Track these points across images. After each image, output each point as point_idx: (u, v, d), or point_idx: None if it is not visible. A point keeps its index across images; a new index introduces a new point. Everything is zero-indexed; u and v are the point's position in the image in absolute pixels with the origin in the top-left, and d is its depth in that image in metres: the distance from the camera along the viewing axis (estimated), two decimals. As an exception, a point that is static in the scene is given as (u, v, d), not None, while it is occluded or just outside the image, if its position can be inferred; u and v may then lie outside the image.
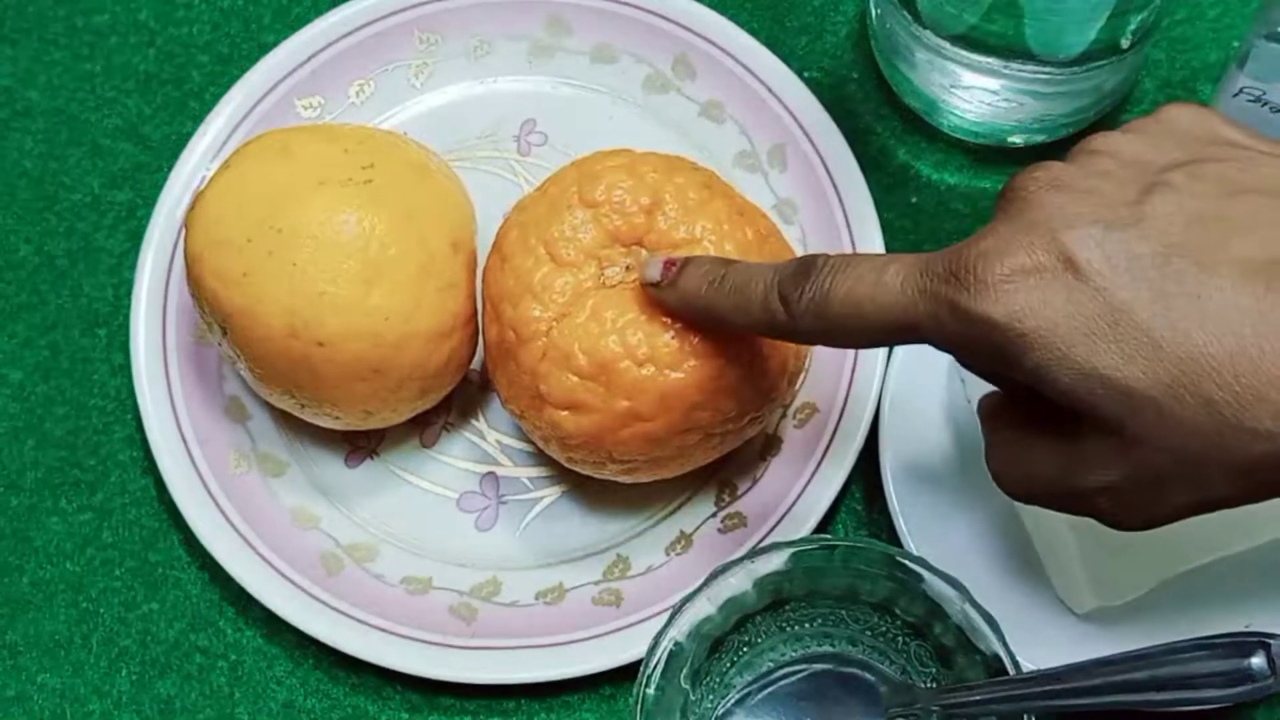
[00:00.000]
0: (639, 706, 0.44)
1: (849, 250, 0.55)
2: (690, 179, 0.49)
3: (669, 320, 0.47)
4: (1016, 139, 0.57)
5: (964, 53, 0.52)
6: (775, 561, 0.45)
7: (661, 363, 0.47)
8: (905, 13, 0.53)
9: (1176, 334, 0.34)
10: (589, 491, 0.54)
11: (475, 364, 0.54)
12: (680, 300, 0.45)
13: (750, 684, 0.48)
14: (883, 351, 0.53)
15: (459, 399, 0.55)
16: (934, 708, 0.45)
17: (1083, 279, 0.35)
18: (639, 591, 0.53)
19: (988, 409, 0.41)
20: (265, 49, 0.59)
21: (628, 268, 0.48)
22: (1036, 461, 0.38)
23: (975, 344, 0.36)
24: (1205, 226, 0.35)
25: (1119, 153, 0.37)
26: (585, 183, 0.49)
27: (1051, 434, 0.38)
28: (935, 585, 0.44)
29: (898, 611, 0.46)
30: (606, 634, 0.52)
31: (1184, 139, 0.38)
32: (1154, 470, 0.35)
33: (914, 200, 0.57)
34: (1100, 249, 0.35)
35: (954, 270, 0.36)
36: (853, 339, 0.40)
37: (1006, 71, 0.53)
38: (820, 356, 0.53)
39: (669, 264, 0.45)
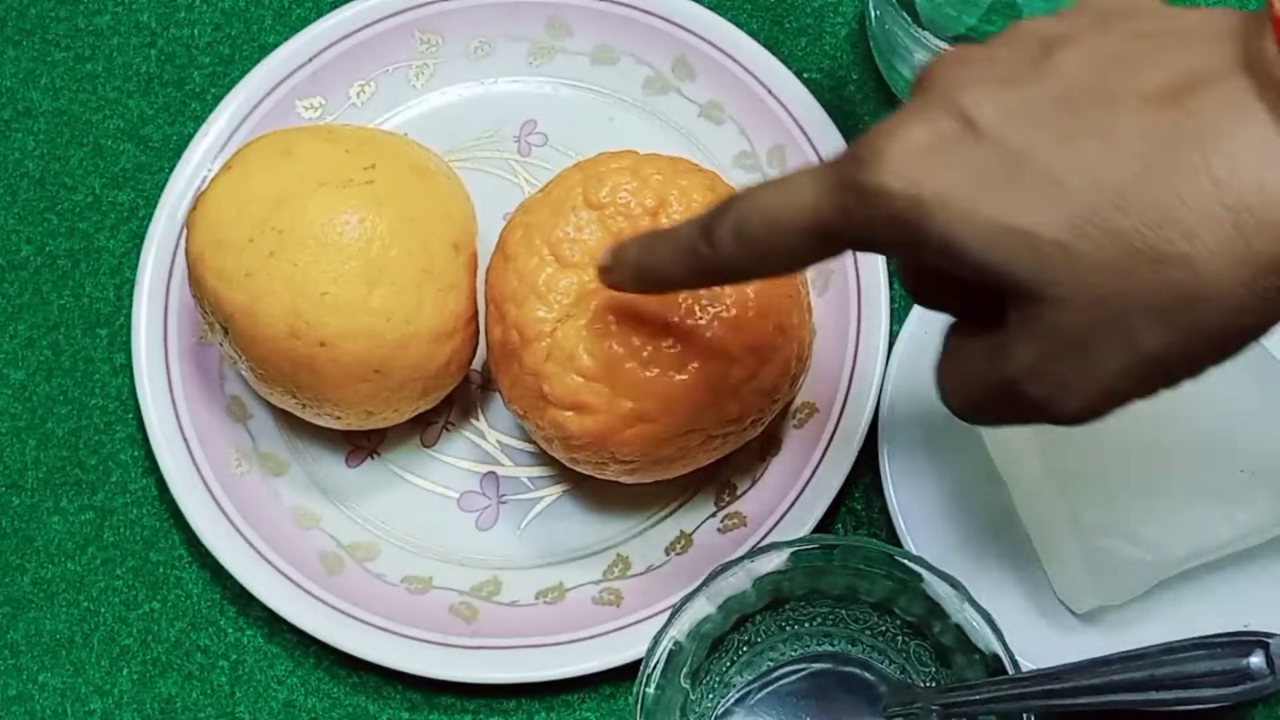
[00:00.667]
0: (639, 706, 0.44)
1: (849, 252, 0.55)
2: (694, 181, 0.49)
3: (673, 322, 0.47)
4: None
5: (963, 54, 0.53)
6: (775, 561, 0.45)
7: (665, 364, 0.47)
8: (904, 14, 0.53)
9: (1079, 169, 0.32)
10: (589, 491, 0.54)
11: (476, 364, 0.54)
12: (627, 273, 0.43)
13: (750, 683, 0.48)
14: (883, 351, 0.53)
15: (460, 399, 0.55)
16: (933, 707, 0.45)
17: (980, 134, 0.33)
18: (639, 591, 0.53)
19: (944, 333, 0.39)
20: (266, 50, 0.59)
21: (631, 269, 0.48)
22: (968, 361, 0.36)
23: (884, 226, 0.34)
24: (1109, 67, 0.33)
25: (1032, 29, 0.35)
26: (590, 184, 0.49)
27: (982, 331, 0.35)
28: (934, 585, 0.44)
29: (897, 611, 0.46)
30: (606, 634, 0.52)
31: (1098, 14, 0.35)
32: (1074, 331, 0.33)
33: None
34: (995, 102, 0.33)
35: (855, 153, 0.34)
36: (779, 258, 0.37)
37: (1006, 73, 0.53)
38: (820, 356, 0.53)
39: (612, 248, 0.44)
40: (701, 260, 0.39)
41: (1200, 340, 0.32)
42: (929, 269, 0.37)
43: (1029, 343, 0.33)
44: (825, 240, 0.36)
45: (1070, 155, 0.32)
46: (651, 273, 0.42)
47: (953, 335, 0.38)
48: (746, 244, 0.37)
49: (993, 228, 0.32)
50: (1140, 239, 0.31)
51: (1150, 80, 0.32)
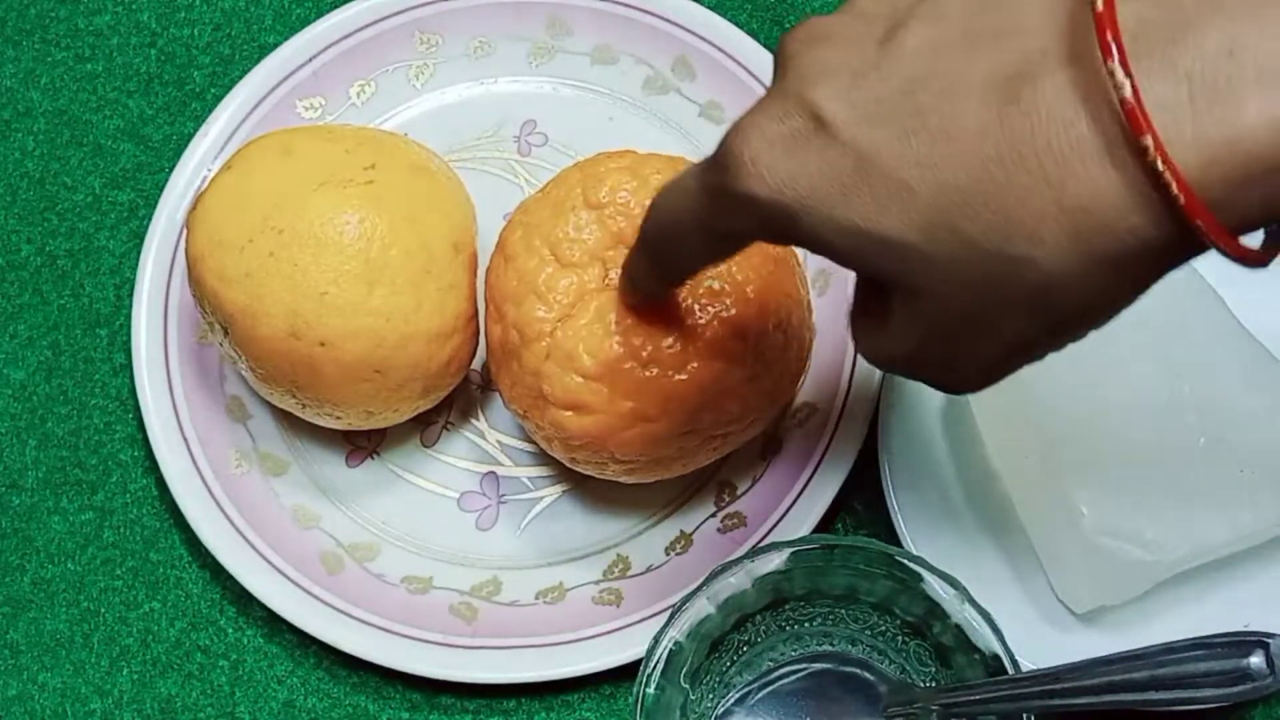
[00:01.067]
0: (639, 706, 0.44)
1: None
2: (693, 180, 0.49)
3: (673, 322, 0.47)
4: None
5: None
6: (775, 561, 0.45)
7: (665, 364, 0.47)
8: (905, 14, 0.53)
9: (924, 171, 0.32)
10: (589, 491, 0.54)
11: (476, 364, 0.54)
12: (628, 288, 0.46)
13: (750, 683, 0.48)
14: (882, 352, 0.53)
15: (459, 399, 0.55)
16: (933, 707, 0.45)
17: (831, 135, 0.33)
18: (639, 591, 0.53)
19: (854, 285, 0.40)
20: (266, 50, 0.59)
21: (631, 269, 0.48)
22: (869, 330, 0.37)
23: (757, 226, 0.35)
24: (949, 52, 0.32)
25: None
26: (589, 184, 0.49)
27: (879, 302, 0.36)
28: (934, 585, 0.44)
29: (897, 611, 0.46)
30: (606, 634, 0.52)
31: None
32: (944, 322, 0.34)
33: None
34: (844, 99, 0.33)
35: (718, 157, 0.35)
36: (684, 257, 0.39)
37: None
38: (820, 356, 0.53)
39: None
40: (648, 264, 0.41)
41: (1059, 324, 0.33)
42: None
43: (907, 329, 0.35)
44: (717, 238, 0.37)
45: (915, 157, 0.32)
46: (636, 283, 0.44)
47: (859, 292, 0.38)
48: (658, 244, 0.39)
49: (852, 231, 0.33)
50: (988, 241, 0.31)
51: (985, 68, 0.32)
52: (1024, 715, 0.43)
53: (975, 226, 0.31)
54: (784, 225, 0.34)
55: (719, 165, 0.35)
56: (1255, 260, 0.31)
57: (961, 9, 0.33)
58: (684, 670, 0.46)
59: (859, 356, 0.54)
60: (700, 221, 0.37)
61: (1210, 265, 0.38)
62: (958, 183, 0.31)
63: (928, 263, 0.32)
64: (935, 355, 0.35)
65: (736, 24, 0.58)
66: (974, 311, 0.33)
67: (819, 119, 0.33)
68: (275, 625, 0.54)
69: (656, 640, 0.44)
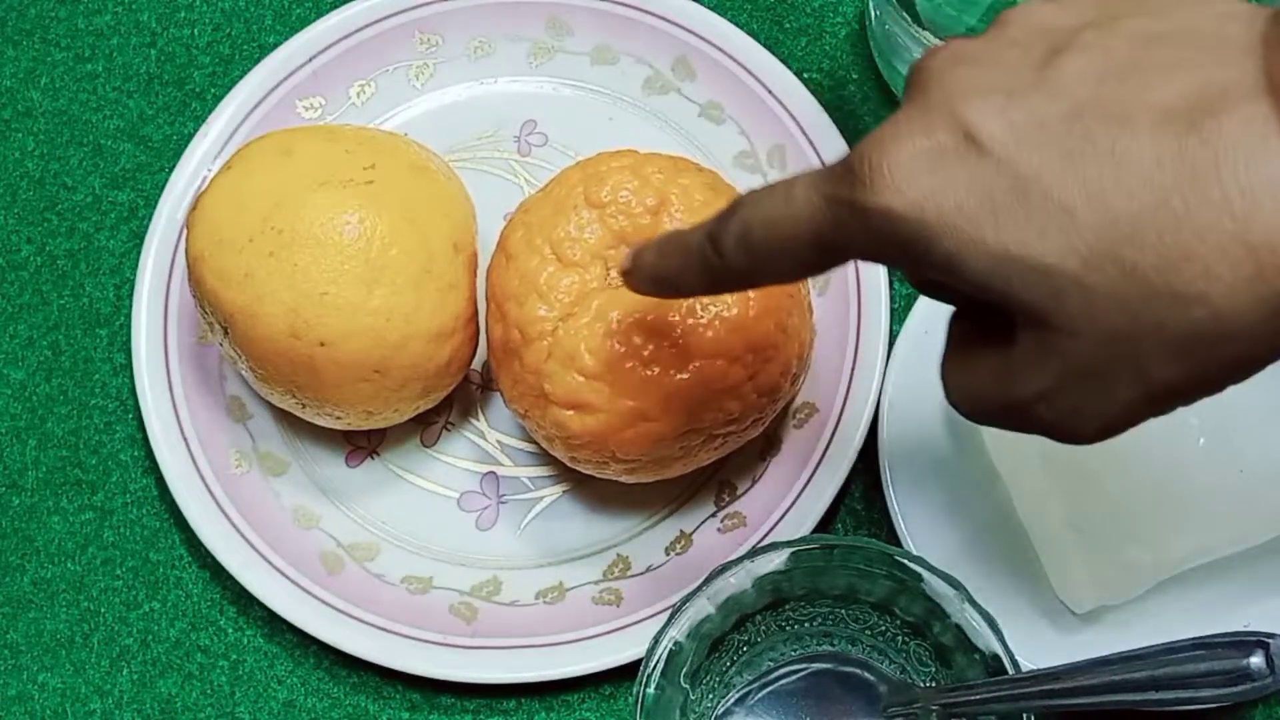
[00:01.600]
0: (639, 706, 0.44)
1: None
2: (695, 180, 0.49)
3: (674, 321, 0.47)
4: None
5: (963, 54, 0.52)
6: (775, 561, 0.45)
7: (666, 363, 0.47)
8: (904, 14, 0.53)
9: (1090, 197, 0.30)
10: (589, 491, 0.54)
11: (476, 364, 0.54)
12: (644, 278, 0.41)
13: (750, 683, 0.48)
14: (882, 352, 0.53)
15: (459, 399, 0.55)
16: (933, 707, 0.45)
17: (985, 153, 0.31)
18: (639, 591, 0.53)
19: (950, 321, 0.37)
20: (266, 50, 0.59)
21: (632, 269, 0.48)
22: (976, 373, 0.35)
23: (885, 244, 0.33)
24: (1119, 79, 0.31)
25: (1028, 20, 0.33)
26: (591, 183, 0.49)
27: (991, 342, 0.34)
28: (934, 585, 0.44)
29: (897, 611, 0.46)
30: (606, 634, 0.52)
31: (1099, 3, 0.34)
32: (1088, 362, 0.31)
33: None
34: (1002, 117, 0.31)
35: (850, 167, 0.33)
36: (782, 267, 0.36)
37: (1006, 73, 0.53)
38: (820, 356, 0.53)
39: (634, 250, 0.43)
40: (711, 269, 0.38)
41: (1215, 371, 0.31)
42: (934, 279, 0.35)
43: (1040, 368, 0.32)
44: (825, 252, 0.35)
45: (1081, 181, 0.30)
46: (666, 279, 0.41)
47: (958, 332, 0.36)
48: (750, 253, 0.36)
49: (1001, 256, 0.31)
50: (1156, 275, 0.30)
51: (1163, 96, 0.31)
52: (1024, 715, 0.43)
53: (1144, 257, 0.30)
54: (920, 246, 0.32)
55: (848, 174, 0.33)
56: None
57: (1128, 38, 0.32)
58: (684, 670, 0.46)
59: (859, 356, 0.54)
60: (815, 234, 0.34)
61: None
62: (1128, 210, 0.30)
63: (1084, 294, 0.30)
64: (1063, 402, 0.33)
65: (736, 24, 0.58)
66: (1123, 352, 0.31)
67: (971, 136, 0.31)
68: (275, 625, 0.54)
69: (656, 640, 0.44)
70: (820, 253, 0.35)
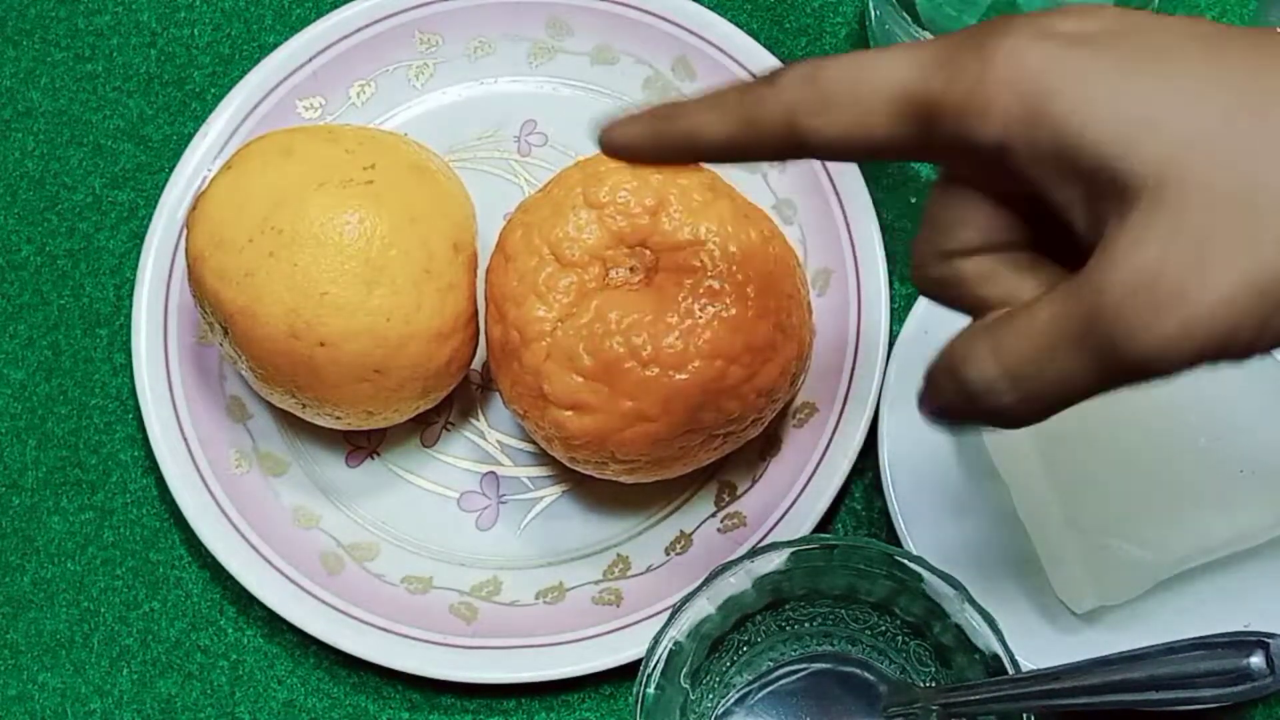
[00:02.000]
0: (639, 706, 0.44)
1: (849, 253, 0.55)
2: (694, 180, 0.49)
3: (673, 321, 0.47)
4: (1016, 140, 0.57)
5: (963, 54, 0.52)
6: (775, 561, 0.45)
7: (665, 363, 0.47)
8: (904, 14, 0.53)
9: (1231, 55, 0.30)
10: (589, 491, 0.54)
11: (476, 364, 0.54)
12: (644, 129, 0.36)
13: (750, 683, 0.48)
14: (883, 351, 0.53)
15: (459, 399, 0.55)
16: (933, 707, 0.45)
17: (1119, 32, 0.31)
18: (639, 591, 0.53)
19: (965, 300, 0.36)
20: (266, 50, 0.59)
21: (632, 269, 0.48)
22: (1029, 320, 0.32)
23: (994, 103, 0.31)
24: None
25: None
26: (590, 184, 0.49)
27: (1041, 278, 0.33)
28: (934, 585, 0.44)
29: (897, 611, 0.46)
30: (606, 634, 0.52)
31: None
32: (1195, 232, 0.29)
33: (914, 200, 0.57)
34: (1125, 17, 0.31)
35: (980, 30, 0.31)
36: (840, 123, 0.33)
37: (1006, 73, 0.52)
38: (820, 356, 0.53)
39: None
40: (750, 105, 0.33)
41: None
42: (1021, 162, 0.32)
43: (1141, 247, 0.30)
44: (907, 117, 0.32)
45: (1221, 43, 0.30)
46: (680, 130, 0.35)
47: (995, 293, 0.34)
48: (813, 87, 0.33)
49: (1127, 108, 0.30)
50: None
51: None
52: (1024, 715, 0.43)
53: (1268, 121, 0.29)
54: (1038, 103, 0.30)
55: (971, 32, 0.31)
56: None
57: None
58: (684, 670, 0.46)
59: (859, 356, 0.54)
60: (906, 84, 0.32)
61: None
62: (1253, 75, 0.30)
63: (1213, 148, 0.29)
64: (1164, 285, 0.30)
65: (736, 24, 0.58)
66: (1239, 218, 0.29)
67: (1100, 20, 0.31)
68: (275, 625, 0.54)
69: (656, 640, 0.44)
70: (900, 115, 0.32)
